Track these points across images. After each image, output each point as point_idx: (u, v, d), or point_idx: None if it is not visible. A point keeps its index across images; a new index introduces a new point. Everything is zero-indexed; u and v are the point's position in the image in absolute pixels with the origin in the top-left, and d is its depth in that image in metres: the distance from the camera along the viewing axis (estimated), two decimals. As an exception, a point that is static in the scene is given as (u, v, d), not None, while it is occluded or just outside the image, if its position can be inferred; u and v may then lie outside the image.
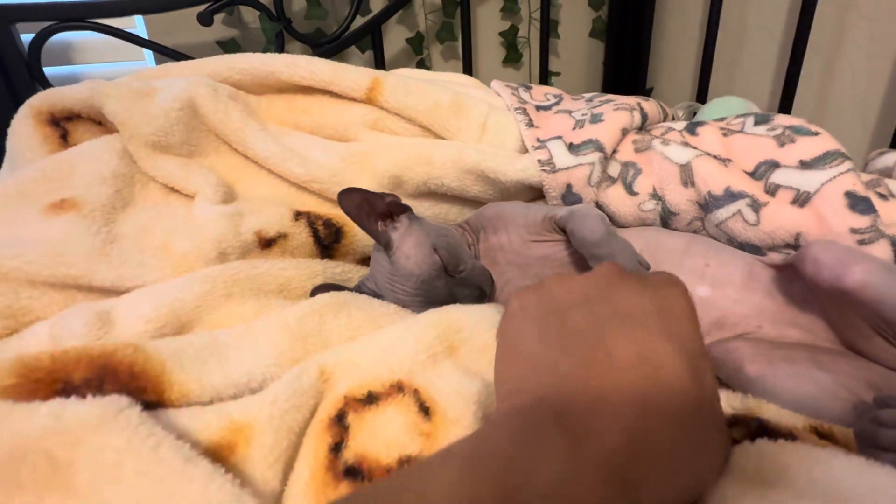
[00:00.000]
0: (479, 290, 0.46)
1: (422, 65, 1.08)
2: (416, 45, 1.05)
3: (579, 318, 0.25)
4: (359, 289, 0.48)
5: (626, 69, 1.15)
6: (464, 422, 0.30)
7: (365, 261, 0.55)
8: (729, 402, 0.37)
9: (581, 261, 0.48)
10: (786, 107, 0.85)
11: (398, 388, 0.31)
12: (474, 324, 0.39)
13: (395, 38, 1.05)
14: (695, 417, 0.23)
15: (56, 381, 0.28)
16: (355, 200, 0.45)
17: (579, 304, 0.25)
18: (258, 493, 0.26)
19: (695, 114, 0.85)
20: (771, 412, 0.36)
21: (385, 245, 0.46)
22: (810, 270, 0.39)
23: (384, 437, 0.29)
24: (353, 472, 0.27)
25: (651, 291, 0.26)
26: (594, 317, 0.25)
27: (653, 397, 0.22)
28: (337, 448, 0.28)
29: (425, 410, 0.30)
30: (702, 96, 0.97)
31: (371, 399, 0.31)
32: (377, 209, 0.46)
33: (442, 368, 0.34)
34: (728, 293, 0.44)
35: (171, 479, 0.24)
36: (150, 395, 0.30)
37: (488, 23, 1.12)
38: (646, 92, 1.17)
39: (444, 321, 0.38)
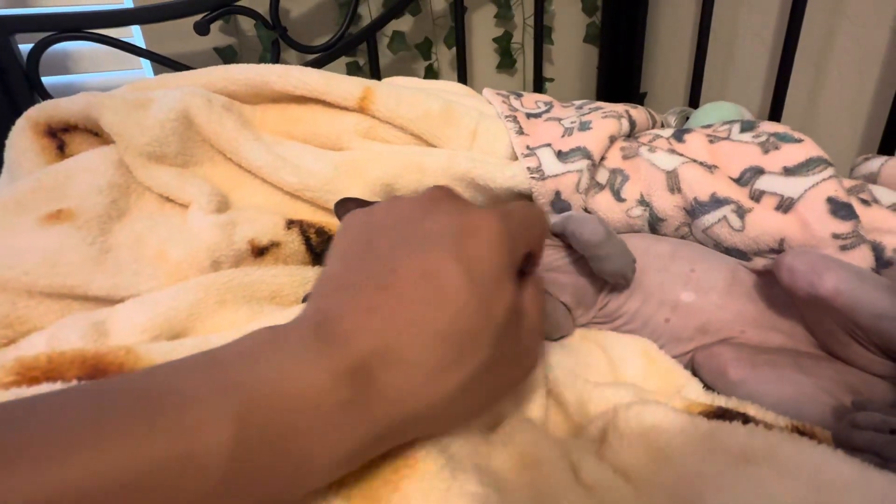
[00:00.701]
0: None
1: (430, 70, 1.09)
2: (425, 51, 1.07)
3: (383, 239, 0.26)
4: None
5: (619, 74, 1.16)
6: None
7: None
8: (715, 401, 0.38)
9: (572, 264, 0.49)
10: (776, 111, 0.85)
11: None
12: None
13: (396, 45, 1.06)
14: (472, 340, 0.24)
15: (50, 380, 0.29)
16: (349, 209, 0.46)
17: (392, 226, 0.26)
18: None
19: (687, 118, 0.86)
20: (753, 413, 0.37)
21: None
22: (785, 278, 0.40)
23: None
24: None
25: (463, 215, 0.26)
26: (396, 237, 0.26)
27: (425, 313, 0.23)
28: None
29: None
30: (694, 101, 0.98)
31: None
32: None
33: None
34: (712, 298, 0.45)
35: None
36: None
37: (482, 29, 1.13)
38: (639, 97, 1.18)
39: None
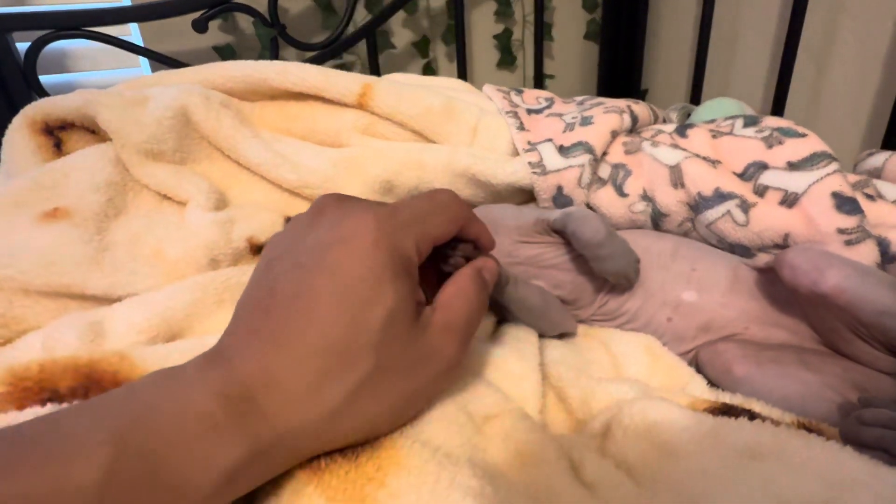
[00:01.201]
0: None
1: (428, 68, 1.09)
2: (423, 49, 1.06)
3: (278, 262, 0.26)
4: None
5: (620, 71, 1.15)
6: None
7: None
8: (720, 397, 0.38)
9: (571, 261, 0.48)
10: (778, 107, 0.85)
11: None
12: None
13: (398, 41, 1.06)
14: (346, 352, 0.24)
15: (43, 390, 0.29)
16: None
17: (284, 246, 0.27)
18: None
19: (689, 115, 0.85)
20: (759, 409, 0.36)
21: None
22: (787, 276, 0.40)
23: None
24: None
25: (338, 225, 0.26)
26: (285, 257, 0.26)
27: (298, 331, 0.24)
28: None
29: None
30: (696, 98, 0.97)
31: None
32: None
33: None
34: (714, 297, 0.44)
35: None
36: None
37: (482, 26, 1.13)
38: (640, 93, 1.18)
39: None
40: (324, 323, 0.24)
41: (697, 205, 0.50)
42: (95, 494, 0.19)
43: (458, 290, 0.29)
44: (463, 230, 0.31)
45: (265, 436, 0.23)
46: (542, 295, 0.46)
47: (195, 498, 0.21)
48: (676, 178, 0.52)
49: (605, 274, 0.45)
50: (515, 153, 0.60)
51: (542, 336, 0.45)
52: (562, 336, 0.47)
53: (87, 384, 0.30)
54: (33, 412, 0.28)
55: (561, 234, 0.49)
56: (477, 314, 0.30)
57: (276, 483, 0.27)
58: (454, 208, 0.30)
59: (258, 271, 0.27)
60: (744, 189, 0.50)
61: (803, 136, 0.51)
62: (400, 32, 1.06)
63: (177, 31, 0.83)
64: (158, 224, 0.49)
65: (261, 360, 0.23)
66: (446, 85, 0.73)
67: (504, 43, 1.14)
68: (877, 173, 0.56)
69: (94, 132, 0.54)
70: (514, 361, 0.38)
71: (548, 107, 0.67)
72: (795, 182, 0.48)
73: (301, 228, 0.28)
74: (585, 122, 0.59)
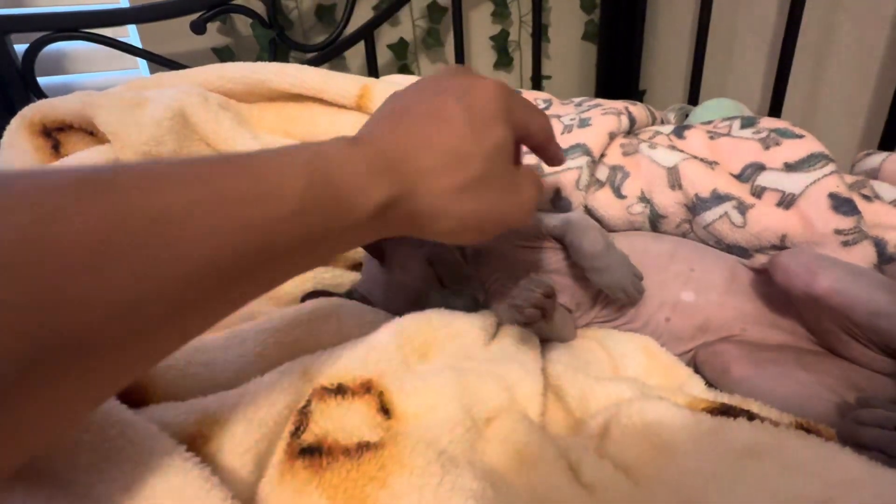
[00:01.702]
0: (473, 301, 0.46)
1: (405, 70, 1.08)
2: (401, 52, 1.06)
3: (407, 94, 0.35)
4: (350, 294, 0.49)
5: (618, 72, 1.16)
6: (421, 419, 0.31)
7: (356, 267, 0.55)
8: (718, 397, 0.38)
9: (571, 267, 0.48)
10: (776, 108, 0.85)
11: (367, 388, 0.32)
12: (452, 327, 0.39)
13: (388, 43, 1.06)
14: (466, 156, 0.32)
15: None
16: None
17: (415, 87, 0.35)
18: (228, 480, 0.27)
19: (687, 115, 0.85)
20: (757, 410, 0.36)
21: (378, 257, 0.46)
22: (781, 279, 0.40)
23: (344, 425, 0.30)
24: (311, 451, 0.28)
25: (472, 77, 0.35)
26: (417, 90, 0.35)
27: (430, 135, 0.32)
28: (297, 431, 0.29)
29: (385, 411, 0.31)
30: (693, 98, 0.98)
31: (340, 390, 0.31)
32: None
33: (413, 371, 0.35)
34: (712, 297, 0.45)
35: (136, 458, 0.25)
36: (133, 396, 0.30)
37: (479, 27, 1.13)
38: (639, 94, 1.18)
39: (422, 325, 0.38)
40: (452, 133, 0.32)
41: (695, 206, 0.51)
42: (297, 200, 0.25)
43: (528, 171, 0.38)
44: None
45: (402, 188, 0.30)
46: (561, 312, 0.46)
47: (359, 220, 0.29)
48: (674, 179, 0.52)
49: (601, 286, 0.45)
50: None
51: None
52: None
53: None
54: None
55: (560, 241, 0.49)
56: (538, 192, 0.39)
57: (277, 482, 0.27)
58: (545, 121, 0.39)
59: (386, 103, 0.35)
60: (741, 190, 0.50)
61: (800, 137, 0.51)
62: (389, 33, 1.05)
63: (175, 33, 0.83)
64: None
65: (399, 143, 0.31)
66: (445, 86, 0.73)
67: (501, 44, 1.14)
68: (874, 174, 0.56)
69: (93, 134, 0.55)
70: (516, 364, 0.38)
71: (546, 108, 0.67)
72: (792, 183, 0.48)
73: (432, 77, 0.36)
74: (583, 123, 0.59)
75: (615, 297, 0.45)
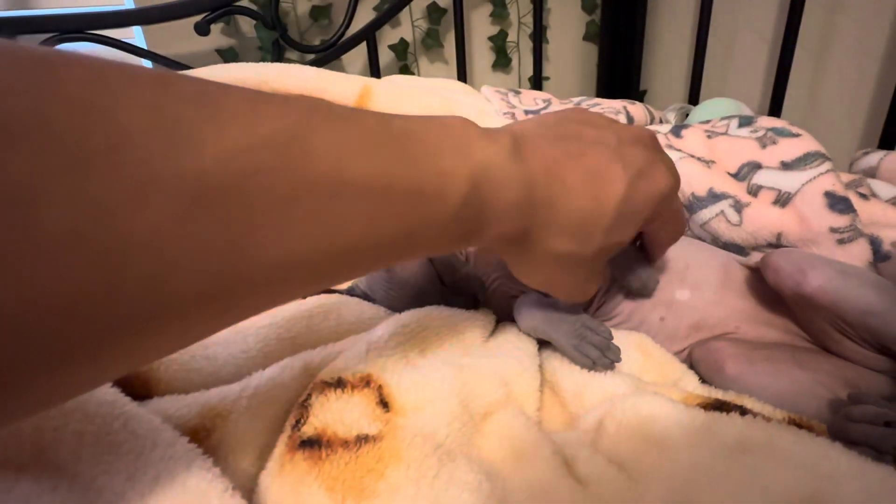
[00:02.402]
0: (473, 299, 0.47)
1: (406, 71, 1.09)
2: (402, 53, 1.07)
3: (580, 126, 0.32)
4: (351, 291, 0.49)
5: (619, 72, 1.16)
6: (419, 413, 0.32)
7: (357, 265, 0.56)
8: (712, 393, 0.39)
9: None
10: (776, 107, 0.85)
11: (366, 381, 0.32)
12: (451, 324, 0.40)
13: (389, 44, 1.06)
14: (585, 238, 0.31)
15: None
16: None
17: (588, 122, 0.33)
18: (229, 471, 0.28)
19: (687, 115, 0.86)
20: (751, 406, 0.37)
21: None
22: (772, 278, 0.40)
23: (343, 418, 0.30)
24: (310, 443, 0.28)
25: (655, 161, 0.33)
26: (591, 129, 0.32)
27: (584, 191, 0.30)
28: (297, 424, 0.30)
29: (384, 404, 0.32)
30: (694, 98, 0.98)
31: (340, 384, 0.32)
32: None
33: (412, 365, 0.35)
34: (706, 295, 0.45)
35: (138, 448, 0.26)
36: (137, 389, 0.31)
37: (478, 28, 1.13)
38: (639, 94, 1.18)
39: (422, 320, 0.39)
40: (599, 205, 0.30)
41: (691, 205, 0.51)
42: (457, 208, 0.25)
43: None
44: None
45: (527, 230, 0.30)
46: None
47: (478, 243, 0.29)
48: (672, 178, 0.53)
49: (629, 284, 0.45)
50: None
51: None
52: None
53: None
54: None
55: None
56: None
57: (277, 473, 0.28)
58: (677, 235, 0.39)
59: (571, 121, 0.33)
60: (737, 189, 0.50)
61: (797, 135, 0.51)
62: (390, 34, 1.06)
63: (179, 34, 0.84)
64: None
65: (551, 179, 0.29)
66: (445, 86, 0.74)
67: (499, 44, 1.15)
68: (872, 172, 0.57)
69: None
70: (513, 360, 0.39)
71: (545, 108, 0.68)
72: (788, 181, 0.48)
73: (632, 140, 0.33)
74: (582, 122, 0.59)
75: (633, 288, 0.46)
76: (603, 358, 0.38)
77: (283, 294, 0.23)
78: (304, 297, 0.24)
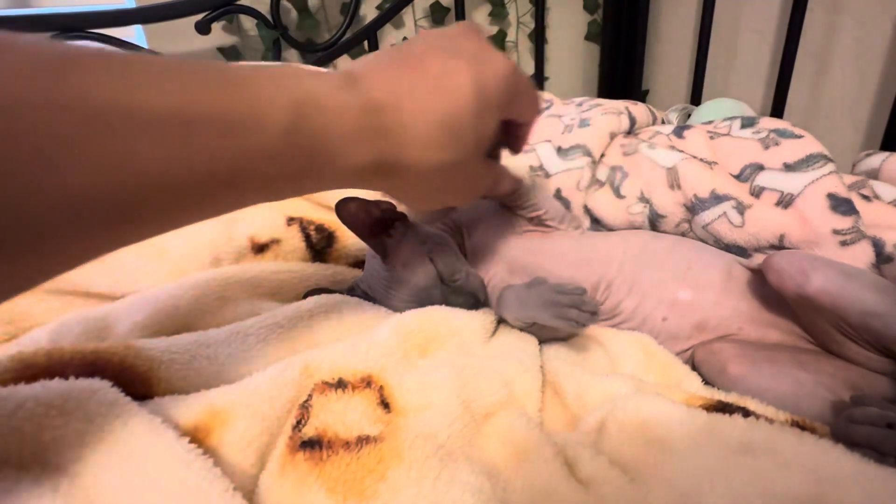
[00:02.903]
0: (474, 298, 0.47)
1: None
2: None
3: (418, 45, 0.33)
4: (351, 290, 0.49)
5: (621, 72, 1.16)
6: (420, 414, 0.32)
7: (358, 264, 0.56)
8: (715, 395, 0.39)
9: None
10: (778, 108, 0.85)
11: (367, 382, 0.32)
12: (452, 324, 0.40)
13: (391, 43, 1.06)
14: (460, 136, 0.31)
15: (49, 375, 0.29)
16: (351, 209, 0.45)
17: (427, 38, 0.33)
18: (230, 471, 0.27)
19: (689, 116, 0.86)
20: (754, 408, 0.37)
21: (381, 254, 0.47)
22: (774, 280, 0.40)
23: (344, 419, 0.30)
24: (311, 444, 0.28)
25: (488, 49, 0.33)
26: (431, 43, 0.33)
27: (435, 99, 0.30)
28: (298, 425, 0.30)
29: (385, 405, 0.32)
30: (696, 98, 0.98)
31: (340, 384, 0.32)
32: (372, 217, 0.47)
33: (414, 366, 0.35)
34: (708, 296, 0.45)
35: (139, 449, 0.26)
36: (137, 389, 0.31)
37: (478, 27, 1.13)
38: (641, 94, 1.18)
39: (423, 321, 0.39)
40: (456, 106, 0.30)
41: (694, 206, 0.51)
42: (279, 136, 0.25)
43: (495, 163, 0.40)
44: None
45: (385, 153, 0.29)
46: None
47: (335, 174, 0.28)
48: (673, 179, 0.53)
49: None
50: (514, 154, 0.60)
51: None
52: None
53: (93, 370, 0.30)
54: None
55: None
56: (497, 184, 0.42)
57: (278, 474, 0.28)
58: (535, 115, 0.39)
59: (402, 45, 0.33)
60: (740, 190, 0.50)
61: (799, 137, 0.51)
62: (392, 34, 1.06)
63: (180, 33, 0.84)
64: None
65: (398, 99, 0.29)
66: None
67: (498, 44, 1.14)
68: (874, 174, 0.56)
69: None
70: (515, 361, 0.39)
71: (547, 108, 0.67)
72: (791, 183, 0.48)
73: (449, 31, 0.34)
74: (583, 124, 0.59)
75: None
76: (581, 314, 0.39)
77: (98, 233, 0.22)
78: (140, 241, 0.24)
